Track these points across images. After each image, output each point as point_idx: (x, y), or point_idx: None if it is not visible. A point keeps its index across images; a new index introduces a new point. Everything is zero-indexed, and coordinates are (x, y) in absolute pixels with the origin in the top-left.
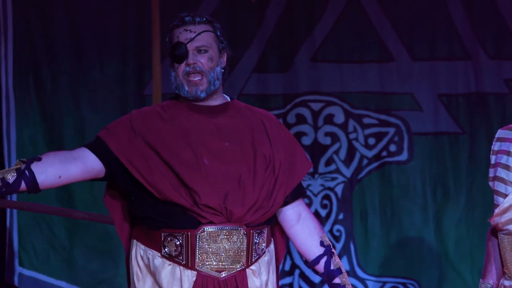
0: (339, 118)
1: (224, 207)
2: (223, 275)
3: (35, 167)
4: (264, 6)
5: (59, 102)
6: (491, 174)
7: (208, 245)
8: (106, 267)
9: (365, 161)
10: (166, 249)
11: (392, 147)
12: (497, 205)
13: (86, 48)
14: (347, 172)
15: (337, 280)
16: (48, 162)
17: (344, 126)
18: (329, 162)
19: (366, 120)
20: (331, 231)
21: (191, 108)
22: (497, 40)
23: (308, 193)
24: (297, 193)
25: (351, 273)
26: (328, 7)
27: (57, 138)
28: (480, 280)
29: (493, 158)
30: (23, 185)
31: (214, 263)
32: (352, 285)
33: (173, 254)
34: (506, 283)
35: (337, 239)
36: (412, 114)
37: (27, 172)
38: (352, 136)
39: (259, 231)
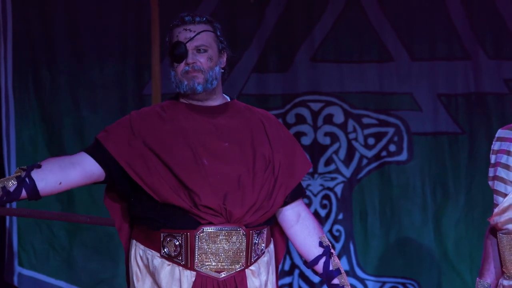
0: (339, 118)
1: (224, 207)
2: (223, 275)
3: (35, 174)
4: (263, 6)
5: (58, 102)
6: (490, 174)
7: (208, 245)
8: (105, 267)
9: (364, 161)
10: (165, 250)
11: (392, 147)
12: (497, 205)
13: (86, 48)
14: (347, 172)
15: (335, 281)
16: (48, 169)
17: (343, 126)
18: (328, 162)
19: (365, 120)
20: (330, 231)
21: (190, 109)
22: (497, 40)
23: (308, 193)
24: (297, 193)
25: (351, 273)
26: (327, 7)
27: (56, 138)
28: (477, 279)
29: (493, 158)
30: (23, 193)
31: (214, 264)
32: (352, 285)
33: (173, 254)
34: (505, 282)
35: (336, 239)
36: (412, 114)
37: (27, 180)
38: (351, 136)
39: (258, 231)
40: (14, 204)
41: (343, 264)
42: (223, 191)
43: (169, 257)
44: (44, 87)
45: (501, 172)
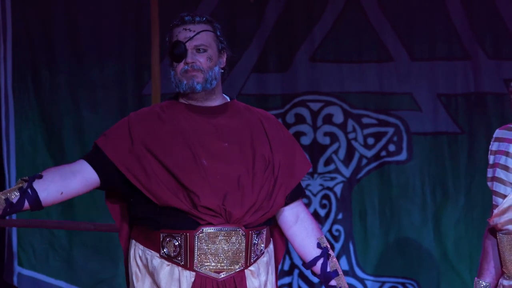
0: (338, 118)
1: (223, 208)
2: (222, 276)
3: (37, 185)
4: (263, 6)
5: (58, 102)
6: (489, 174)
7: (207, 246)
8: (105, 267)
9: (364, 161)
10: (165, 250)
11: (391, 147)
12: (496, 206)
13: (86, 48)
14: (346, 172)
15: (333, 283)
16: (49, 179)
17: (343, 126)
18: (328, 162)
19: (365, 120)
20: (330, 231)
21: (190, 109)
22: (496, 40)
23: (307, 193)
24: (296, 194)
25: (350, 272)
26: (327, 7)
27: (56, 138)
28: (475, 278)
29: (491, 158)
30: (26, 204)
31: (213, 264)
32: (352, 285)
33: (172, 254)
34: (505, 282)
35: (336, 239)
36: (411, 114)
37: (29, 191)
38: (351, 136)
39: (258, 232)
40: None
41: (342, 264)
42: (223, 192)
43: (168, 257)
44: (43, 87)
45: (500, 173)
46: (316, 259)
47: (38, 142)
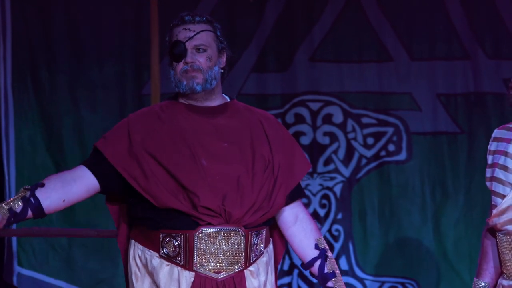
0: (338, 117)
1: (223, 208)
2: (221, 276)
3: (39, 194)
4: (262, 6)
5: (58, 102)
6: (488, 174)
7: (206, 246)
8: (105, 267)
9: (363, 161)
10: (164, 250)
11: (391, 147)
12: (495, 206)
13: (85, 48)
14: (346, 172)
15: (330, 284)
16: (51, 187)
17: (342, 126)
18: (327, 161)
19: (364, 120)
20: (329, 230)
21: (189, 109)
22: (496, 40)
23: (307, 192)
24: (296, 194)
25: (350, 272)
26: (327, 7)
27: (56, 138)
28: (474, 278)
29: (490, 158)
30: (29, 213)
31: (212, 264)
32: (351, 284)
33: (171, 254)
34: (505, 282)
35: (336, 238)
36: (411, 114)
37: (32, 200)
38: (350, 135)
39: (257, 232)
40: None
41: (342, 264)
42: (222, 192)
43: (168, 258)
44: (43, 87)
45: (499, 173)
46: (314, 260)
47: (38, 142)
